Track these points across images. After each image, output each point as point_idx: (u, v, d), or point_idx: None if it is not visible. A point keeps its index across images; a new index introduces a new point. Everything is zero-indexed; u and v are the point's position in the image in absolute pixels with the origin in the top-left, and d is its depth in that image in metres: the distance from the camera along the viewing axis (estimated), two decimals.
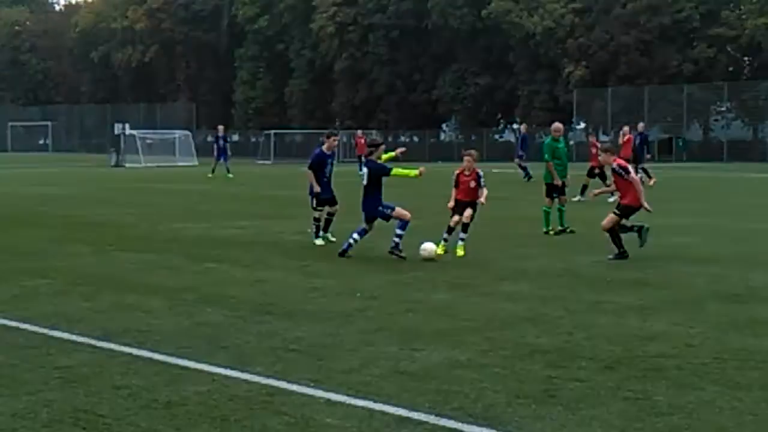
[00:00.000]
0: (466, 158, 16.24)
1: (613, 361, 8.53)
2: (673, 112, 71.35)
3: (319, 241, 17.29)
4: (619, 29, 72.16)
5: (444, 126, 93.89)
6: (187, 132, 72.69)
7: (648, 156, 34.39)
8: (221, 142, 44.30)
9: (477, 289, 12.46)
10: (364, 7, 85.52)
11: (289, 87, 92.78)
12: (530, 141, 44.07)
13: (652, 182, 30.96)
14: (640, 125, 35.21)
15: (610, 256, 14.99)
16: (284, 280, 13.26)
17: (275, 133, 78.84)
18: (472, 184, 16.05)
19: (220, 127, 46.00)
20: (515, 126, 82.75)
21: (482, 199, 16.11)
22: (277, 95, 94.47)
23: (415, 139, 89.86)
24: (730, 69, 73.99)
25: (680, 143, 70.06)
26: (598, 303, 11.31)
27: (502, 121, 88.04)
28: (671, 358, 8.62)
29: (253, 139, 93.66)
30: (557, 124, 20.45)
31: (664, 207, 21.02)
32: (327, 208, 17.60)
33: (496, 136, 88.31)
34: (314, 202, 17.61)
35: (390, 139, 76.87)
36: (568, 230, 19.11)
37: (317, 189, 17.35)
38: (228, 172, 42.77)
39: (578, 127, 77.68)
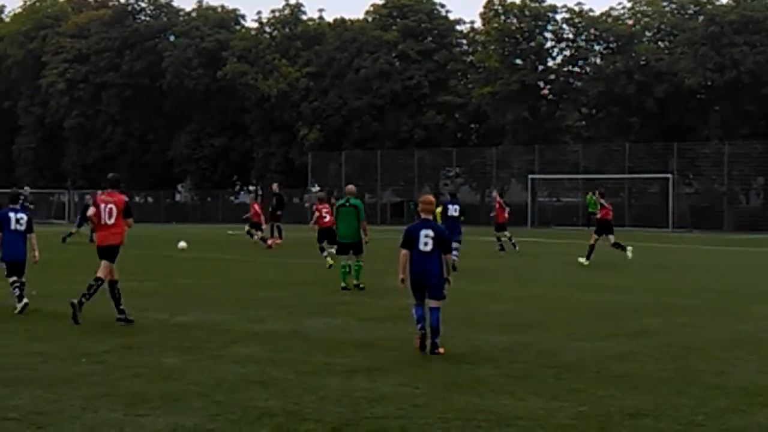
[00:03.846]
0: None
1: (340, 423, 8.55)
2: (405, 176, 73.28)
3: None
4: (352, 94, 73.79)
5: (180, 187, 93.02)
6: None
7: (279, 213, 39.14)
8: None
9: (207, 352, 12.28)
10: (96, 65, 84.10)
11: (17, 145, 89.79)
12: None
13: (278, 241, 36.64)
14: (274, 185, 41.95)
15: None
16: (4, 345, 12.67)
17: (1, 193, 75.93)
18: None
19: None
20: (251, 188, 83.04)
21: None
22: (3, 153, 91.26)
23: (150, 199, 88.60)
24: (459, 135, 76.77)
25: (411, 206, 71.97)
26: (328, 365, 11.35)
27: (238, 182, 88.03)
28: (397, 419, 8.72)
29: None
30: (352, 186, 21.75)
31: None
32: None
33: (232, 198, 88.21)
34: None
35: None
36: (360, 286, 20.04)
37: None
38: None
39: (313, 189, 78.54)
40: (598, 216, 29.76)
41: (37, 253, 16.35)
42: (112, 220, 14.96)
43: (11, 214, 16.23)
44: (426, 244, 12.33)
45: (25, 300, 15.89)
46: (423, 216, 12.69)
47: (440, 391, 9.95)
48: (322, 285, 21.08)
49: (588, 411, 9.11)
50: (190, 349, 12.42)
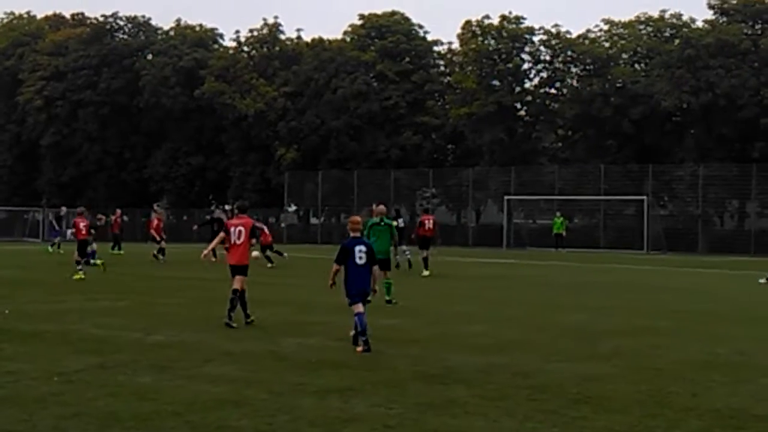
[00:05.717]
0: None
1: None
2: (382, 196, 73.10)
3: None
4: (329, 114, 73.87)
5: (155, 205, 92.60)
6: None
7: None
8: None
9: (181, 371, 12.24)
10: (73, 83, 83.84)
11: None
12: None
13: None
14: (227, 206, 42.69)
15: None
16: None
17: None
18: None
19: None
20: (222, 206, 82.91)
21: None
22: None
23: (125, 218, 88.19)
24: (435, 156, 76.82)
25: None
26: (302, 384, 11.32)
27: (214, 201, 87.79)
28: None
29: None
30: (383, 207, 23.44)
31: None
32: None
33: (207, 216, 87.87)
34: None
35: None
36: (393, 302, 21.41)
37: None
38: None
39: (289, 209, 78.38)
40: (420, 233, 33.53)
41: None
42: (241, 240, 17.20)
43: None
44: (361, 258, 14.23)
45: None
46: (353, 234, 14.52)
47: (413, 411, 9.94)
48: (297, 305, 21.08)
49: None
50: (164, 369, 12.38)
